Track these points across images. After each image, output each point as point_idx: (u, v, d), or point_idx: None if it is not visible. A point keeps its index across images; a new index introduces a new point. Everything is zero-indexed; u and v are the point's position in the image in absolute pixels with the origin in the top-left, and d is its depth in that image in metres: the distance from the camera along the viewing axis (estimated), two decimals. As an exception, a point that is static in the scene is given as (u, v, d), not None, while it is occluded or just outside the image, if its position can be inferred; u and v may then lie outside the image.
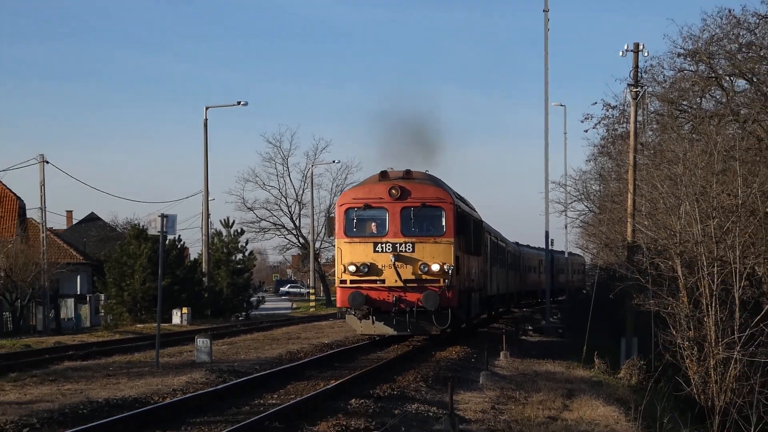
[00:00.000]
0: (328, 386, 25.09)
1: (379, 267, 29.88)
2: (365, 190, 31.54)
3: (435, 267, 29.51)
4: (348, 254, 30.67)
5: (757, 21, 43.54)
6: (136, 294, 70.38)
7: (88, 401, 22.92)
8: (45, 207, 77.42)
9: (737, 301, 39.07)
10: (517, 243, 67.69)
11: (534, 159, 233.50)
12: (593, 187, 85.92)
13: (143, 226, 78.93)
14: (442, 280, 29.59)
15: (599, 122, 57.36)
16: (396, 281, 29.77)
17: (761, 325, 26.12)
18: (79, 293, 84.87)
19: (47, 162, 72.93)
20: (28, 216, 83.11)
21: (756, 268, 44.30)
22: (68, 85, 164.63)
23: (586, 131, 72.90)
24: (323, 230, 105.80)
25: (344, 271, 30.57)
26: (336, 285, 32.41)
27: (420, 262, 29.80)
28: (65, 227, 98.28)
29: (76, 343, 50.73)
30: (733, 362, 20.00)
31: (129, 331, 59.80)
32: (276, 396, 24.59)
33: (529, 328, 59.08)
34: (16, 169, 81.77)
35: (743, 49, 45.03)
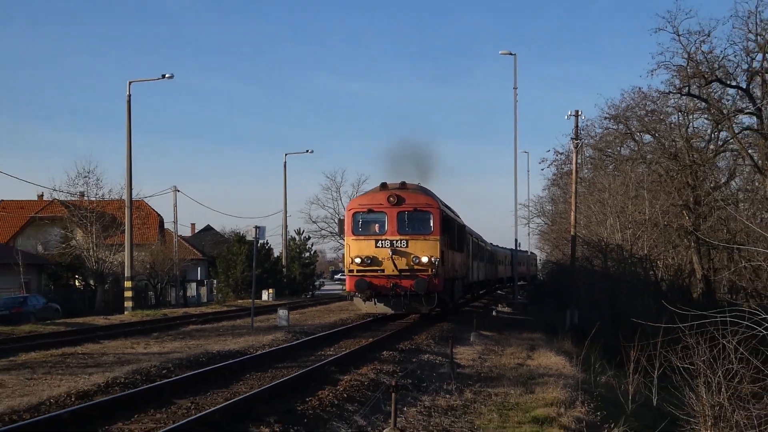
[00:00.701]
0: (367, 343, 25.41)
1: (380, 259, 29.11)
2: (369, 198, 30.90)
3: (424, 259, 28.92)
4: (355, 249, 29.74)
5: (658, 95, 43.40)
6: (238, 279, 70.78)
7: (205, 352, 23.12)
8: (176, 221, 78.53)
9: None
10: (491, 243, 67.22)
11: (507, 187, 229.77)
12: (547, 207, 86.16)
13: (243, 234, 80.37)
14: (430, 269, 28.86)
15: (551, 163, 57.33)
16: (393, 270, 28.88)
17: (662, 301, 25.90)
18: (199, 279, 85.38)
19: (178, 191, 73.88)
20: (165, 227, 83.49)
21: (658, 262, 44.14)
22: (193, 141, 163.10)
23: (542, 169, 72.49)
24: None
25: (352, 263, 29.55)
26: (345, 273, 31.36)
27: (412, 255, 29.05)
28: (190, 234, 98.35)
29: (197, 312, 50.76)
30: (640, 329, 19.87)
31: (233, 305, 59.77)
32: (332, 349, 24.61)
33: (502, 304, 59.05)
34: (157, 196, 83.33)
35: (649, 114, 44.84)
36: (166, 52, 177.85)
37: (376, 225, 29.84)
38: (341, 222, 31.59)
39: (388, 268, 28.77)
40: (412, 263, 28.91)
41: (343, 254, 33.86)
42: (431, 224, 29.52)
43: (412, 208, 29.53)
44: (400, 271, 28.75)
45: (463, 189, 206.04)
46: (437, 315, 33.97)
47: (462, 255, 38.91)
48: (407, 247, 29.02)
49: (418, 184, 32.59)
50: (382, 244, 29.15)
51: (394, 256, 28.79)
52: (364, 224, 29.91)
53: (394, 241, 29.02)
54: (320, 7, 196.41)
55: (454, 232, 34.87)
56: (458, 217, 39.91)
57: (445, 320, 34.47)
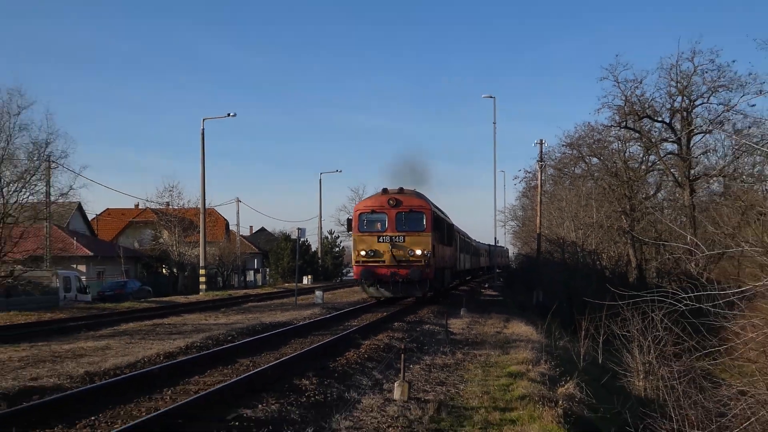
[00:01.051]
0: (382, 316, 25.41)
1: (381, 252, 28.18)
2: (372, 201, 29.75)
3: (418, 252, 27.95)
4: (360, 243, 28.83)
5: (603, 128, 43.32)
6: (284, 268, 70.65)
7: (260, 323, 23.24)
8: (238, 224, 78.58)
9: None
10: (475, 240, 66.80)
11: (487, 197, 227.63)
12: (519, 213, 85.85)
13: (289, 234, 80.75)
14: (423, 260, 27.87)
15: (522, 180, 57.05)
16: (392, 262, 27.96)
17: (606, 284, 25.90)
18: (255, 267, 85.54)
19: (240, 201, 73.94)
20: (230, 228, 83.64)
21: (602, 254, 43.99)
22: (250, 161, 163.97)
23: (515, 184, 73.05)
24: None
25: (358, 255, 28.72)
26: (353, 264, 29.88)
27: (408, 249, 28.07)
28: (248, 234, 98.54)
29: (254, 293, 50.87)
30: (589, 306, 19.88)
31: (281, 287, 59.70)
32: (356, 321, 24.65)
33: (486, 285, 59.16)
34: (224, 205, 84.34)
35: (595, 142, 44.71)
36: (226, 94, 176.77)
37: (378, 223, 28.88)
38: (349, 221, 29.93)
39: (388, 260, 27.92)
40: (408, 256, 28.03)
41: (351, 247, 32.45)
42: (424, 223, 28.59)
43: (408, 209, 28.69)
44: (398, 262, 27.93)
45: (452, 197, 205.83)
46: (433, 297, 33.16)
47: (451, 248, 37.81)
48: (404, 242, 28.22)
49: (414, 189, 31.49)
50: (383, 239, 28.36)
51: (393, 249, 27.98)
52: (368, 223, 29.04)
53: (393, 237, 28.25)
54: (347, 59, 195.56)
55: (443, 230, 33.90)
56: (447, 217, 38.76)
57: (439, 300, 33.95)
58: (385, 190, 29.53)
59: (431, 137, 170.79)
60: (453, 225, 41.43)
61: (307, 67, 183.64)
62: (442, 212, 36.02)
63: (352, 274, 42.43)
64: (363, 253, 28.45)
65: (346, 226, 29.62)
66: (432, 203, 31.22)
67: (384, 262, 28.10)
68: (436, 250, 29.55)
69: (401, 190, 29.56)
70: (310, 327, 22.28)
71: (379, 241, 28.34)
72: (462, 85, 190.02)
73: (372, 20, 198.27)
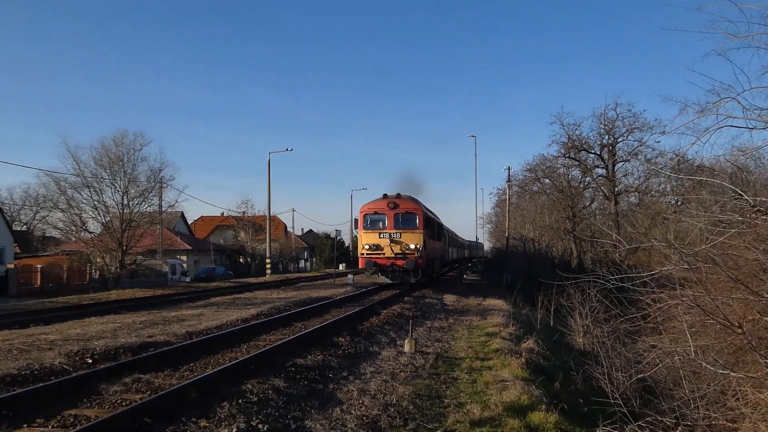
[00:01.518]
0: (396, 293, 24.97)
1: (382, 246, 26.14)
2: (374, 204, 27.25)
3: (412, 246, 25.94)
4: (365, 239, 26.74)
5: (553, 158, 43.14)
6: (326, 258, 70.30)
7: (309, 297, 23.19)
8: (293, 227, 79.17)
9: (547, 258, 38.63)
10: (461, 237, 66.33)
11: (471, 207, 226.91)
12: (493, 218, 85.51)
13: (329, 234, 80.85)
14: (416, 253, 25.86)
15: (495, 195, 57.89)
16: (391, 254, 25.96)
17: (556, 270, 25.75)
18: (305, 258, 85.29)
19: (295, 210, 74.67)
20: (288, 230, 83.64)
21: (553, 248, 43.72)
22: (301, 181, 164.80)
23: (490, 198, 72.58)
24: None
25: (363, 248, 26.68)
26: (359, 256, 27.49)
27: (404, 243, 26.02)
28: (300, 234, 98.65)
29: (304, 276, 50.90)
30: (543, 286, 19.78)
31: (323, 272, 59.69)
32: (377, 296, 24.20)
33: (469, 272, 58.97)
34: (284, 213, 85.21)
35: (547, 168, 44.51)
36: (284, 134, 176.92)
37: (380, 222, 26.73)
38: (356, 221, 27.49)
39: (388, 252, 26.03)
40: (403, 249, 26.01)
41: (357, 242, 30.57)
42: (417, 222, 26.48)
43: (404, 211, 26.67)
44: (396, 254, 25.96)
45: (444, 206, 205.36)
46: (427, 281, 31.18)
47: (440, 243, 35.69)
48: (400, 237, 26.21)
49: (410, 195, 29.11)
50: (383, 235, 26.32)
51: (391, 244, 26.04)
52: (371, 222, 26.86)
53: (392, 234, 26.22)
54: (370, 107, 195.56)
55: (434, 228, 31.80)
56: (437, 218, 36.40)
57: (432, 283, 32.91)
58: (385, 196, 27.68)
59: (431, 164, 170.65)
60: (443, 225, 39.25)
61: (340, 112, 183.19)
62: (433, 214, 33.94)
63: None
64: (367, 246, 26.54)
65: (355, 225, 27.58)
66: (424, 206, 29.19)
67: (384, 254, 26.17)
68: (427, 245, 27.72)
69: (398, 196, 27.72)
70: (344, 300, 22.14)
71: (380, 237, 26.38)
72: (452, 125, 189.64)
73: (386, 73, 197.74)
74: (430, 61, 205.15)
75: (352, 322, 15.62)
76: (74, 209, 39.70)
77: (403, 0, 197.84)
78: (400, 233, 26.30)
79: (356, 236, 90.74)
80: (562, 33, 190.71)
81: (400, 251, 26.01)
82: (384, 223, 26.55)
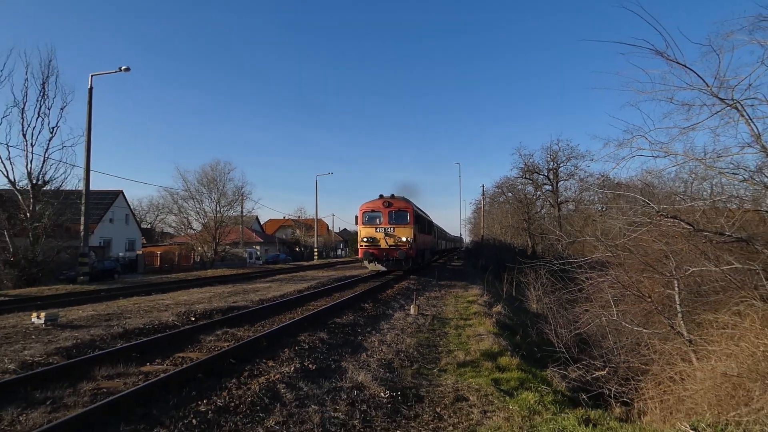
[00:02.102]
0: (403, 272, 24.38)
1: (378, 239, 22.51)
2: (372, 204, 23.33)
3: (404, 238, 22.42)
4: (363, 232, 22.95)
5: (514, 178, 42.63)
6: (356, 248, 70.18)
7: (344, 276, 23.05)
8: (333, 226, 78.69)
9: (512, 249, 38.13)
10: (448, 232, 65.50)
11: (456, 213, 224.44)
12: (472, 221, 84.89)
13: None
14: (407, 245, 22.33)
15: (474, 204, 57.17)
16: (386, 245, 22.40)
17: (517, 257, 25.46)
18: (341, 248, 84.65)
19: (334, 215, 74.80)
20: (329, 229, 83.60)
21: (514, 241, 43.21)
22: (335, 196, 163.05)
23: (471, 206, 72.12)
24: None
25: (361, 241, 22.93)
26: (358, 247, 23.40)
27: (397, 236, 22.48)
28: (338, 231, 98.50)
29: (341, 261, 50.79)
30: (510, 269, 19.45)
31: (355, 258, 59.66)
32: (391, 276, 23.71)
33: (456, 257, 58.56)
34: (326, 216, 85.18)
35: (509, 185, 44.07)
36: (324, 162, 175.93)
37: (376, 219, 23.05)
38: (356, 217, 23.47)
39: (383, 244, 22.55)
40: (396, 241, 22.56)
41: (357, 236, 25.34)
42: (408, 218, 22.84)
43: (396, 209, 22.96)
44: (390, 245, 22.47)
45: (438, 212, 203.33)
46: (418, 267, 27.46)
47: (430, 236, 31.48)
48: (394, 231, 22.66)
49: (403, 196, 25.06)
50: (379, 230, 22.75)
51: (386, 237, 22.54)
52: (369, 218, 23.13)
53: (386, 228, 22.67)
54: (384, 141, 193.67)
55: (424, 223, 27.90)
56: (428, 216, 32.12)
57: (428, 267, 31.45)
58: (381, 196, 24.03)
59: (431, 183, 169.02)
60: (432, 222, 34.84)
61: (361, 146, 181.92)
62: (423, 212, 29.78)
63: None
64: (365, 239, 22.92)
65: (355, 221, 23.73)
66: (414, 205, 25.62)
67: (380, 245, 22.66)
68: (417, 237, 24.22)
69: (392, 196, 23.98)
70: (368, 278, 21.86)
71: (376, 231, 22.86)
72: (442, 154, 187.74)
73: (392, 116, 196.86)
74: (424, 106, 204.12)
75: (374, 293, 15.55)
76: (183, 214, 40.55)
77: (407, 60, 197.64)
78: (394, 228, 22.95)
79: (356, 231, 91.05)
80: (520, 91, 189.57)
81: (393, 243, 22.69)
82: (380, 219, 23.16)
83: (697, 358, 5.86)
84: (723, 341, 5.33)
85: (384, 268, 22.79)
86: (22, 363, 6.38)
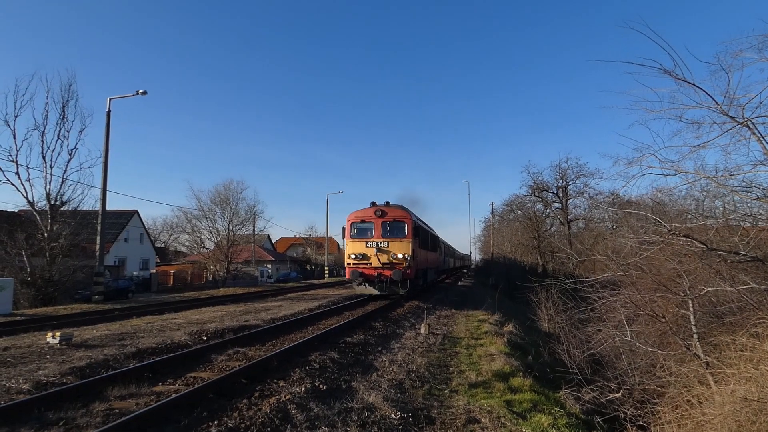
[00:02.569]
0: (415, 292, 23.96)
1: (369, 255, 17.92)
2: (362, 212, 18.70)
3: (400, 255, 17.76)
4: (351, 248, 18.26)
5: (523, 196, 42.57)
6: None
7: (355, 294, 22.54)
8: (343, 244, 78.22)
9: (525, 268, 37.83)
10: (456, 250, 64.53)
11: (465, 232, 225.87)
12: (482, 238, 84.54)
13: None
14: (404, 263, 17.66)
15: (484, 222, 57.03)
16: (378, 264, 17.75)
17: (527, 275, 25.14)
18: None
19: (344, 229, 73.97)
20: (340, 247, 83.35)
21: (525, 259, 42.78)
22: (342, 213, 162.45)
23: (480, 224, 71.70)
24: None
25: (349, 258, 18.25)
26: (345, 266, 18.74)
27: (391, 252, 17.86)
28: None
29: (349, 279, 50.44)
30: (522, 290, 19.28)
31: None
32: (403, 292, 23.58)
33: (465, 276, 58.06)
34: (336, 235, 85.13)
35: (519, 203, 43.92)
36: (335, 180, 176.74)
37: (367, 231, 18.42)
38: (344, 230, 18.98)
39: (375, 262, 17.86)
40: (391, 259, 17.85)
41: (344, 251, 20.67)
42: (405, 231, 18.23)
43: (392, 218, 18.29)
44: (383, 264, 17.82)
45: (448, 230, 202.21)
46: (423, 290, 22.98)
47: (435, 253, 26.21)
48: (388, 246, 18.03)
49: (401, 205, 20.14)
50: (370, 244, 18.07)
51: (378, 253, 17.87)
52: (358, 231, 18.52)
53: (379, 243, 18.04)
54: (393, 166, 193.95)
55: (426, 237, 22.87)
56: (432, 229, 26.92)
57: (433, 289, 28.97)
58: (373, 203, 19.42)
59: (443, 200, 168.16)
60: (438, 237, 29.94)
61: (372, 164, 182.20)
62: (426, 224, 24.79)
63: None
64: (353, 256, 18.24)
65: (342, 234, 19.24)
66: (414, 215, 20.62)
67: (371, 264, 18.02)
68: (417, 254, 19.49)
69: (387, 204, 19.25)
70: (378, 297, 20.87)
71: (366, 246, 18.15)
72: (453, 169, 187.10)
73: (404, 143, 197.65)
74: (433, 123, 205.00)
75: (384, 311, 15.42)
76: (196, 233, 40.96)
77: (416, 77, 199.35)
78: (388, 242, 18.20)
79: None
80: (528, 108, 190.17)
81: (387, 261, 17.95)
82: (371, 232, 18.49)
83: (715, 382, 5.70)
84: (742, 364, 5.17)
85: (376, 292, 18.44)
86: (36, 383, 6.39)
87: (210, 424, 5.05)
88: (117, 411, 5.43)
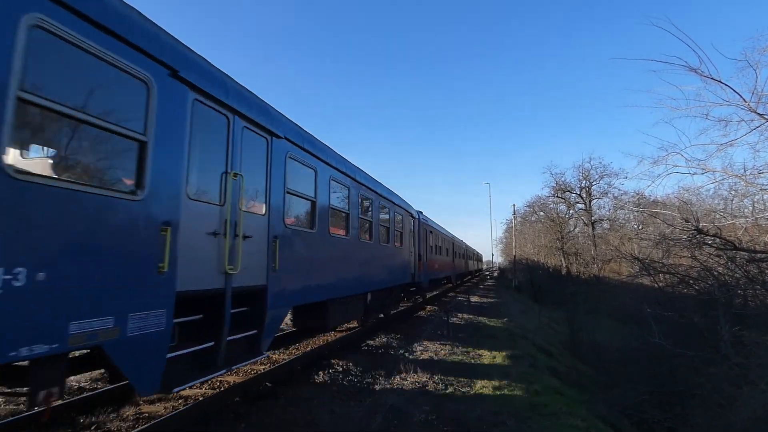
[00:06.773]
0: (436, 293, 23.65)
1: None
2: None
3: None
4: None
5: (546, 197, 42.07)
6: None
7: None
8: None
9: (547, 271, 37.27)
10: (479, 252, 63.96)
11: (485, 235, 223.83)
12: (503, 240, 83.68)
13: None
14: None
15: (505, 224, 56.43)
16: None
17: (549, 277, 24.78)
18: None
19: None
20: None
21: (547, 261, 42.11)
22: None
23: (502, 225, 70.91)
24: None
25: None
26: None
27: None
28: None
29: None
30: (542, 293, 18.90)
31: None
32: (421, 297, 21.92)
33: (488, 277, 57.47)
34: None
35: (541, 204, 43.43)
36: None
37: None
38: None
39: None
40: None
41: None
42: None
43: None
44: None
45: (471, 233, 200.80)
46: (456, 284, 25.31)
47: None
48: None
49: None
50: None
51: None
52: None
53: None
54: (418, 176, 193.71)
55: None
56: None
57: (461, 286, 31.33)
58: None
59: (467, 202, 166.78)
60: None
61: (396, 174, 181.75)
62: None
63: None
64: None
65: None
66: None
67: None
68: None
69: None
70: (399, 300, 21.53)
71: None
72: (476, 171, 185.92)
73: (425, 156, 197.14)
74: (456, 131, 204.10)
75: (407, 315, 15.38)
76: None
77: (434, 79, 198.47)
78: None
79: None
80: (549, 108, 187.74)
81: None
82: None
83: (746, 383, 5.52)
84: (774, 365, 4.99)
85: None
86: (68, 388, 6.58)
87: (236, 426, 5.11)
88: (146, 415, 5.53)
